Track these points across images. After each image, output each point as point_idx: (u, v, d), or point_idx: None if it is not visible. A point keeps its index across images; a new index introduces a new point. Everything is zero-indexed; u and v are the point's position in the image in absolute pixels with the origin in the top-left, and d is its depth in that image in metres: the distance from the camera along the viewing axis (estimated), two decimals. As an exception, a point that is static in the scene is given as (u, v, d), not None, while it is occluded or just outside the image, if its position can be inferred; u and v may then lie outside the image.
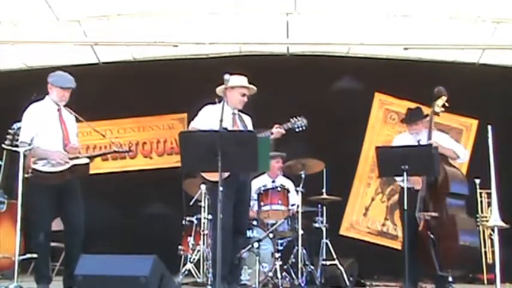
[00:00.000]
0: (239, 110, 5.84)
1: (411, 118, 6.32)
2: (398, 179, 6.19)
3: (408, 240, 5.76)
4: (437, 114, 6.09)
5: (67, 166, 5.54)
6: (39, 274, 5.58)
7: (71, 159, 5.58)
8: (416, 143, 5.97)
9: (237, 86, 5.68)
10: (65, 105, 5.78)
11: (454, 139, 6.70)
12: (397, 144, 6.29)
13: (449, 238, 5.66)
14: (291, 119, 5.88)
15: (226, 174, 5.09)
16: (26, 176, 5.33)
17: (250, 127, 5.83)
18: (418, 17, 7.72)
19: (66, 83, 5.71)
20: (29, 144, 5.36)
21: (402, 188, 6.16)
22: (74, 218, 5.66)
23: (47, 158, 5.52)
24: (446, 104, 6.05)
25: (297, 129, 5.88)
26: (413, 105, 6.39)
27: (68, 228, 5.70)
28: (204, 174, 5.62)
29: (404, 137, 6.36)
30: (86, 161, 5.71)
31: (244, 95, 5.75)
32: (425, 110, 6.27)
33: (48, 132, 5.61)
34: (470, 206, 6.42)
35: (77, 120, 5.90)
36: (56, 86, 5.68)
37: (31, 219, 5.52)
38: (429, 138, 6.00)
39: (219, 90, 5.65)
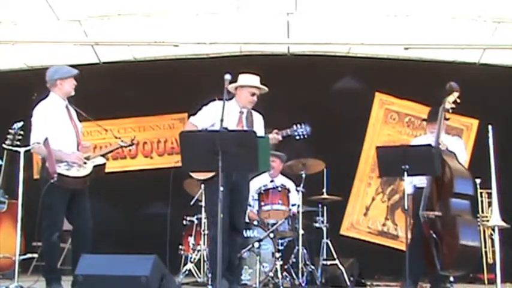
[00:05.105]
0: (251, 108, 5.81)
1: (432, 117, 6.17)
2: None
3: (416, 239, 5.79)
4: (447, 111, 5.97)
5: (90, 170, 5.47)
6: (52, 275, 5.43)
7: (85, 158, 5.52)
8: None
9: (246, 85, 5.66)
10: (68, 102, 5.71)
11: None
12: None
13: (450, 238, 5.65)
14: (294, 126, 5.78)
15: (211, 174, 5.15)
16: (51, 181, 5.22)
17: (259, 126, 5.76)
18: (418, 17, 7.72)
19: (72, 71, 5.69)
20: (43, 144, 5.22)
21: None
22: (84, 219, 5.58)
23: (64, 160, 5.41)
24: (458, 101, 5.84)
25: (297, 137, 5.77)
26: (413, 104, 6.37)
27: (78, 230, 5.59)
28: (192, 174, 5.58)
29: (423, 139, 6.32)
30: (104, 161, 5.67)
31: (253, 94, 5.71)
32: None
33: (62, 131, 5.51)
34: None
35: (80, 119, 5.83)
36: (67, 77, 5.62)
37: (46, 218, 5.39)
38: (437, 136, 5.85)
39: (231, 87, 5.59)
